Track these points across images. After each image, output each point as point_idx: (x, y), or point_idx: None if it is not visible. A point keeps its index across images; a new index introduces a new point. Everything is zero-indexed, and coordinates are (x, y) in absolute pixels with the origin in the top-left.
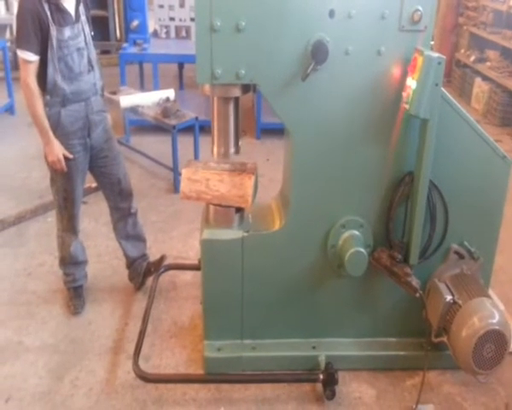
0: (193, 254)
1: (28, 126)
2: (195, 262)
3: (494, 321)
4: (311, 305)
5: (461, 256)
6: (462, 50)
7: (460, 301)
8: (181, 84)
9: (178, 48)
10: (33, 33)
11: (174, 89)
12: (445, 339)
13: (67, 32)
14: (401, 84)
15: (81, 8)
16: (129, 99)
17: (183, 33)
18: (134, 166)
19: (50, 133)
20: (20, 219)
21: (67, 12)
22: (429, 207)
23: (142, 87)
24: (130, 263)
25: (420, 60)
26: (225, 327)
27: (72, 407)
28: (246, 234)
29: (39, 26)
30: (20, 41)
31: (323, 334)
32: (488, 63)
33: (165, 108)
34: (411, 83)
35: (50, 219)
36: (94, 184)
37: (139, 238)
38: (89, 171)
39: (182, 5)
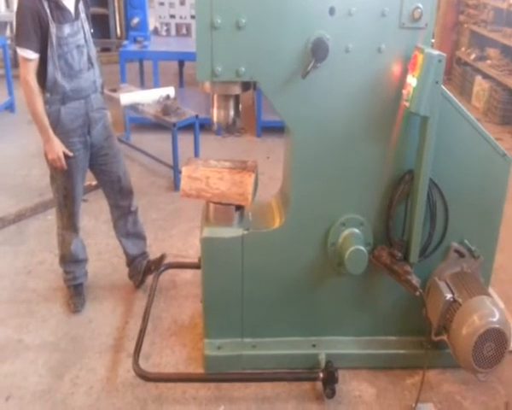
0: (193, 252)
1: (28, 124)
2: (195, 261)
3: (494, 320)
4: (311, 303)
5: (461, 255)
6: (463, 48)
7: (460, 300)
8: (181, 82)
9: (179, 45)
10: (33, 31)
11: (174, 86)
12: (445, 338)
13: (67, 29)
14: (401, 82)
15: (80, 5)
16: (129, 97)
17: (184, 31)
18: (134, 163)
19: (50, 131)
20: (20, 217)
21: (67, 9)
22: (429, 205)
23: (143, 85)
24: (131, 261)
25: (420, 57)
26: (225, 325)
27: (72, 406)
28: (246, 232)
29: (39, 23)
30: (20, 39)
31: (323, 332)
32: (489, 61)
33: (166, 106)
34: (412, 81)
35: (50, 217)
36: (94, 182)
37: (139, 236)
38: (89, 169)
39: (182, 3)
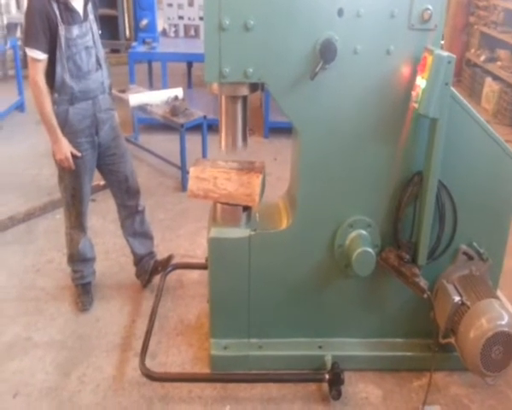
0: (200, 252)
1: (37, 124)
2: (203, 261)
3: (503, 323)
4: (317, 304)
5: (470, 257)
6: (473, 50)
7: (468, 303)
8: (189, 83)
9: (187, 47)
10: (42, 32)
11: (182, 87)
12: (452, 340)
13: (76, 30)
14: (410, 84)
15: (89, 6)
16: (138, 97)
17: (192, 32)
18: (142, 164)
19: (58, 131)
20: (29, 216)
21: (76, 11)
22: (438, 207)
23: (151, 86)
24: (138, 260)
25: (430, 59)
26: (232, 326)
27: (79, 403)
28: (253, 233)
29: (48, 24)
30: (29, 39)
31: (330, 334)
32: (499, 63)
33: (174, 107)
34: (421, 82)
35: (59, 217)
36: (102, 182)
37: (146, 236)
38: (96, 168)
39: (191, 4)
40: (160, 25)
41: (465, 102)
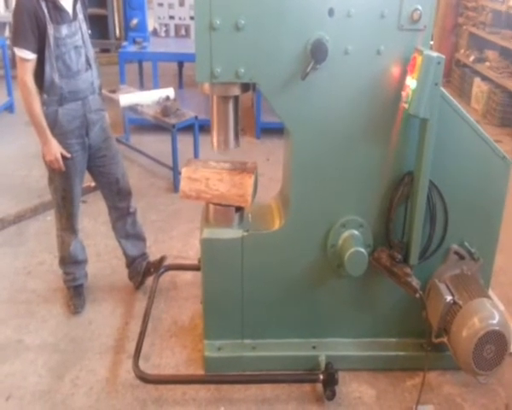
0: (193, 253)
1: (27, 125)
2: (195, 263)
3: (494, 322)
4: (311, 305)
5: (461, 257)
6: (462, 50)
7: (460, 302)
8: (180, 83)
9: (178, 46)
10: (30, 31)
11: (174, 88)
12: (445, 340)
13: (65, 30)
14: (400, 84)
15: (78, 6)
16: (128, 98)
17: (183, 32)
18: (133, 165)
19: (48, 132)
20: (19, 218)
21: (65, 10)
22: (429, 207)
23: (142, 86)
24: (130, 262)
25: (419, 59)
26: (225, 327)
27: (72, 406)
28: (246, 233)
29: (36, 24)
30: (18, 39)
31: (323, 334)
32: (487, 63)
33: (165, 107)
34: (411, 82)
35: (50, 218)
36: (93, 184)
37: (139, 237)
38: (87, 170)
39: (181, 4)
40: (151, 24)
41: (455, 103)
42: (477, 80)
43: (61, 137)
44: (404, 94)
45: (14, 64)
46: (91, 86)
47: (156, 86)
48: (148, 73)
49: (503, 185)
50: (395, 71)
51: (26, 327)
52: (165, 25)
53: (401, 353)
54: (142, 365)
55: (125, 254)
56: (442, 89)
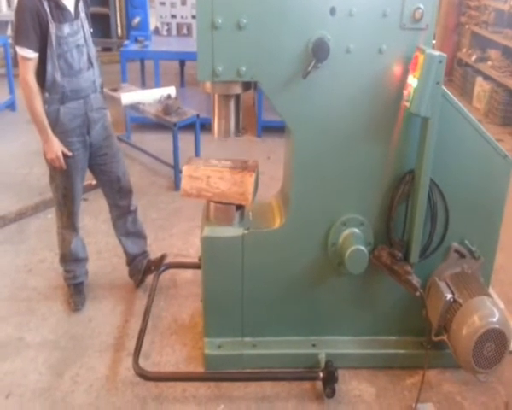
0: (193, 251)
1: (29, 123)
2: (196, 261)
3: (494, 320)
4: (311, 303)
5: (461, 255)
6: (464, 49)
7: (460, 300)
8: (182, 82)
9: (180, 45)
10: (32, 30)
11: (175, 86)
12: (445, 338)
13: (67, 28)
14: (402, 83)
15: (80, 4)
16: (130, 96)
17: (185, 31)
18: (135, 163)
19: (49, 131)
20: (20, 216)
21: (67, 9)
22: (430, 205)
23: (144, 84)
24: (131, 260)
25: (421, 58)
26: (226, 325)
27: (72, 404)
28: (246, 232)
29: (38, 22)
30: (19, 38)
31: (324, 332)
32: (489, 62)
33: (167, 106)
34: (412, 81)
35: (51, 216)
36: (94, 182)
37: (139, 235)
38: (88, 168)
39: (183, 2)
40: (153, 23)
41: (456, 102)
42: (479, 79)
43: (63, 135)
44: (405, 93)
45: (16, 62)
46: (93, 85)
47: (158, 85)
48: (150, 72)
49: (504, 184)
50: (397, 70)
51: (27, 325)
52: (167, 23)
53: (401, 351)
54: (142, 362)
55: (125, 252)
56: (444, 88)
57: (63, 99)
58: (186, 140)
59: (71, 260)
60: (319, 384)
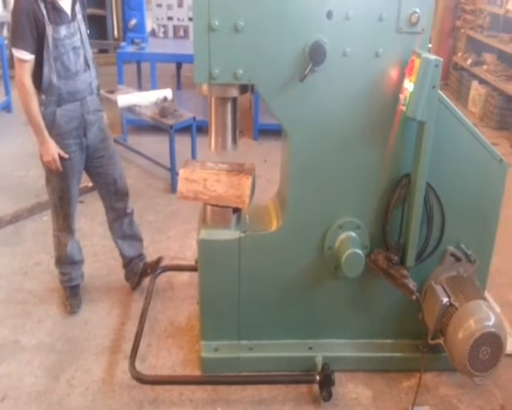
0: (190, 254)
1: (25, 125)
2: (192, 263)
3: (490, 324)
4: (307, 306)
5: (457, 259)
6: (460, 53)
7: (456, 304)
8: (179, 84)
9: (176, 47)
10: (29, 32)
11: (172, 88)
12: (441, 341)
13: (63, 30)
14: (398, 87)
15: (77, 6)
16: (126, 98)
17: (181, 33)
18: (131, 165)
19: (45, 133)
20: (16, 218)
21: (63, 11)
22: (426, 209)
23: (140, 86)
24: (127, 263)
25: (417, 62)
26: (222, 328)
27: (68, 407)
28: (243, 234)
29: (35, 24)
30: (16, 40)
31: (320, 335)
32: (485, 66)
33: (163, 108)
34: (408, 85)
35: (47, 218)
36: (90, 184)
37: (136, 238)
38: (84, 171)
39: (180, 5)
40: (149, 25)
41: (452, 106)
42: (474, 83)
43: (59, 137)
44: (401, 96)
45: (12, 64)
46: (90, 87)
47: (154, 87)
48: (146, 74)
49: (499, 188)
50: (393, 73)
51: (23, 327)
52: (164, 26)
53: (397, 354)
54: (138, 365)
55: (121, 254)
56: (440, 92)
57: (60, 101)
58: (182, 143)
59: (67, 262)
60: (316, 387)
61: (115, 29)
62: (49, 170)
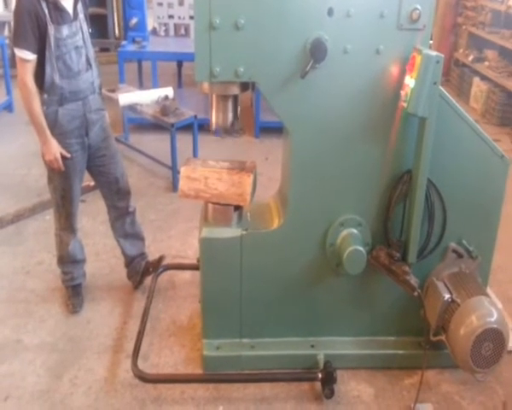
0: (191, 252)
1: (26, 124)
2: (194, 262)
3: (492, 320)
4: (309, 303)
5: (459, 255)
6: (461, 50)
7: (458, 300)
8: (180, 83)
9: (177, 46)
10: (31, 32)
11: (173, 87)
12: (443, 338)
13: (65, 30)
14: (399, 83)
15: (79, 6)
16: (128, 97)
17: (182, 31)
18: (133, 164)
19: (48, 132)
20: (18, 218)
21: (65, 10)
22: (427, 205)
23: (141, 85)
24: (129, 262)
25: (418, 58)
26: (224, 326)
27: (71, 406)
28: (244, 232)
29: (37, 24)
30: (18, 39)
31: (322, 333)
32: (486, 63)
33: (164, 107)
34: (410, 81)
35: (49, 218)
36: (92, 183)
37: (137, 237)
38: (86, 170)
39: (181, 3)
40: (150, 24)
41: (454, 102)
42: (476, 80)
43: (61, 136)
44: (402, 93)
45: (14, 63)
46: (91, 86)
47: (155, 85)
48: (148, 73)
49: (501, 184)
50: (394, 70)
51: (25, 327)
52: (165, 24)
53: (399, 351)
54: (140, 364)
55: (123, 253)
56: (441, 88)
57: (62, 100)
58: (184, 141)
59: (69, 261)
60: (318, 385)
61: (116, 28)
62: (51, 169)
